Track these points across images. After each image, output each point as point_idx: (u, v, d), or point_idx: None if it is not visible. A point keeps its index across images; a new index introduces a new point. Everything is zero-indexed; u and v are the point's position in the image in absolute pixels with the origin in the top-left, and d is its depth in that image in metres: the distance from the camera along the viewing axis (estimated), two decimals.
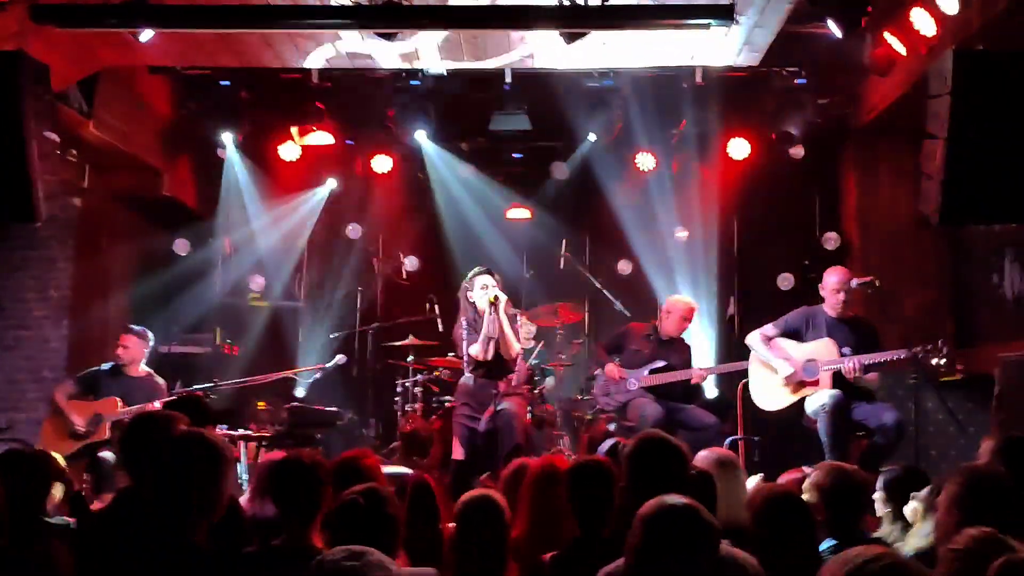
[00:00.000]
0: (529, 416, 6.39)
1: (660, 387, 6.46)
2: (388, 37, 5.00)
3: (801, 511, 2.85)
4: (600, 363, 6.77)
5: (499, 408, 5.84)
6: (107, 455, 5.94)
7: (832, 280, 5.93)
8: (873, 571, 1.82)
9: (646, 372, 6.52)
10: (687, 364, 6.64)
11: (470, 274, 6.03)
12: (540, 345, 7.54)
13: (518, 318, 6.36)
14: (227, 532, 3.07)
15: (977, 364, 6.57)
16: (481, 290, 5.88)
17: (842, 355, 5.73)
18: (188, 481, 2.69)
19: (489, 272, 5.99)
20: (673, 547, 2.23)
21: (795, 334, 5.99)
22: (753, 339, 6.10)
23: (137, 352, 6.47)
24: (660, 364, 6.52)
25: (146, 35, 5.09)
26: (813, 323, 5.97)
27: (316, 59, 6.64)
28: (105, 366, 6.52)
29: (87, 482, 5.98)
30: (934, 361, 5.62)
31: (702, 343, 7.89)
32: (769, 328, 6.08)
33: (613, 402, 6.54)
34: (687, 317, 6.71)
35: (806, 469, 4.07)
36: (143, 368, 6.52)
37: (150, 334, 6.57)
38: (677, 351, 6.67)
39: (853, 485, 3.20)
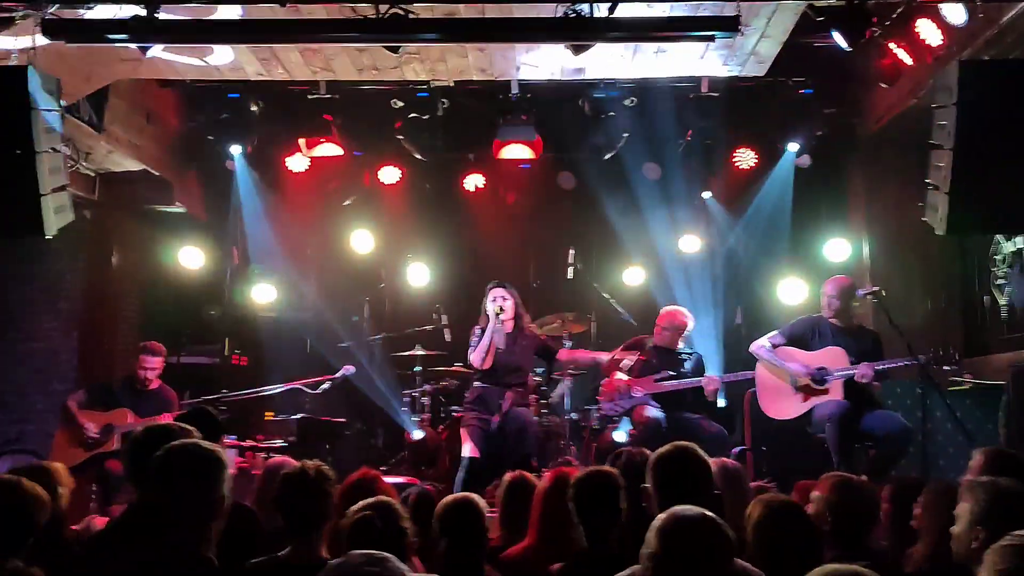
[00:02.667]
0: (536, 424, 6.43)
1: (667, 396, 6.43)
2: (394, 50, 5.03)
3: (801, 522, 2.82)
4: (616, 361, 6.72)
5: (510, 413, 5.98)
6: (115, 466, 5.98)
7: (828, 289, 5.98)
8: None
9: (652, 381, 6.50)
10: (697, 374, 6.56)
11: (489, 285, 6.30)
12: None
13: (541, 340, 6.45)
14: (242, 543, 3.08)
15: (986, 373, 6.56)
16: (491, 302, 6.07)
17: (850, 363, 5.73)
18: (183, 491, 2.70)
19: (501, 285, 6.15)
20: (689, 559, 2.26)
21: (800, 342, 5.99)
22: (759, 347, 6.10)
23: (158, 369, 6.53)
24: (667, 374, 6.50)
25: (154, 51, 5.12)
26: (819, 332, 5.98)
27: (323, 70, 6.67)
28: (118, 380, 6.58)
29: (96, 492, 6.02)
30: (944, 368, 5.61)
31: (709, 353, 7.86)
32: (775, 336, 6.09)
33: (618, 408, 6.52)
34: (667, 327, 6.60)
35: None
36: (156, 380, 6.57)
37: (163, 348, 6.62)
38: (685, 360, 6.61)
39: (860, 497, 3.18)
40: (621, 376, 6.57)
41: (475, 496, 3.32)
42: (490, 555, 3.49)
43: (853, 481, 3.30)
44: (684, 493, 2.66)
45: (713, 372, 6.62)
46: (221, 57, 5.93)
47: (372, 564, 2.14)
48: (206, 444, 2.80)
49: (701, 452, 3.00)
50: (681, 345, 6.67)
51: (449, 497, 3.33)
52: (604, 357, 6.83)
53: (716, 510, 2.40)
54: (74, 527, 3.80)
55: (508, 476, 3.90)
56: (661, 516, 2.35)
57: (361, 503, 2.84)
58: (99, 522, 3.84)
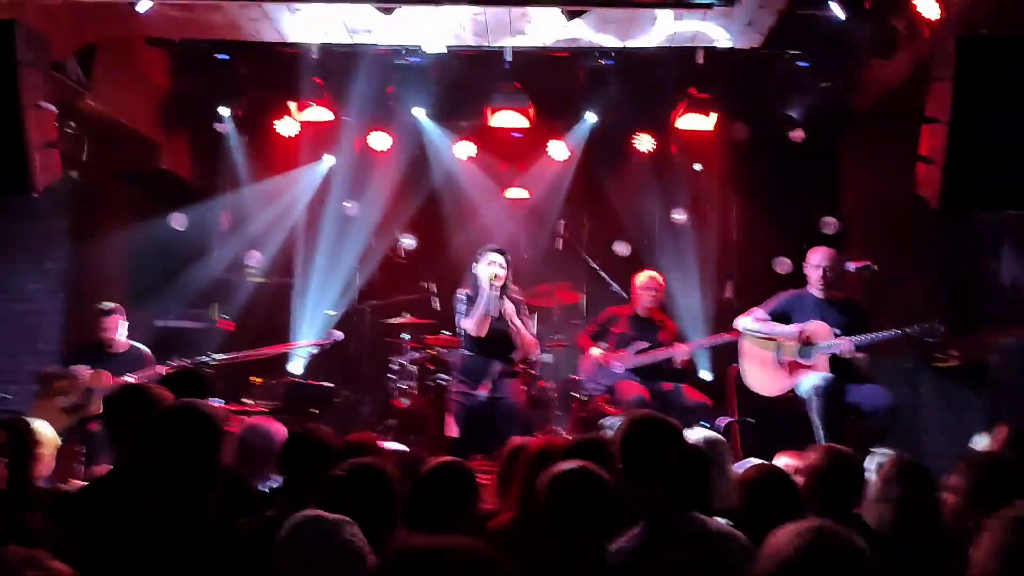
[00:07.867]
0: (525, 393, 6.38)
1: (647, 368, 6.40)
2: (386, 12, 4.97)
3: (788, 490, 2.85)
4: (582, 351, 6.72)
5: (501, 396, 5.87)
6: (98, 427, 5.96)
7: (813, 258, 5.94)
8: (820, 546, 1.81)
9: (630, 353, 6.47)
10: (674, 342, 6.52)
11: (483, 249, 6.09)
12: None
13: (523, 306, 6.33)
14: (234, 506, 3.07)
15: (974, 350, 6.58)
16: (488, 266, 5.93)
17: (835, 336, 5.73)
18: (181, 454, 2.67)
19: (501, 252, 6.03)
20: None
21: (784, 317, 5.98)
22: (745, 322, 6.09)
23: (118, 329, 6.49)
24: (643, 345, 6.45)
25: (143, 5, 5.03)
26: (802, 305, 5.97)
27: (315, 33, 6.59)
28: (86, 344, 6.53)
29: (81, 454, 6.00)
30: (929, 340, 5.61)
31: (698, 327, 7.88)
32: (758, 312, 6.08)
33: (600, 387, 6.50)
34: (647, 288, 6.60)
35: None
36: (124, 341, 6.53)
37: (118, 305, 6.57)
38: (660, 329, 6.57)
39: (848, 467, 3.21)
40: (596, 352, 6.53)
41: (463, 462, 3.29)
42: (477, 525, 3.47)
43: (841, 451, 3.31)
44: (652, 470, 2.66)
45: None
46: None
47: (322, 529, 2.11)
48: (204, 407, 2.77)
49: (662, 418, 2.95)
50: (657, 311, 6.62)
51: (436, 460, 3.30)
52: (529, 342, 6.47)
53: (696, 477, 2.42)
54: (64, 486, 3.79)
55: (511, 444, 3.85)
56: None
57: (351, 462, 2.83)
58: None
